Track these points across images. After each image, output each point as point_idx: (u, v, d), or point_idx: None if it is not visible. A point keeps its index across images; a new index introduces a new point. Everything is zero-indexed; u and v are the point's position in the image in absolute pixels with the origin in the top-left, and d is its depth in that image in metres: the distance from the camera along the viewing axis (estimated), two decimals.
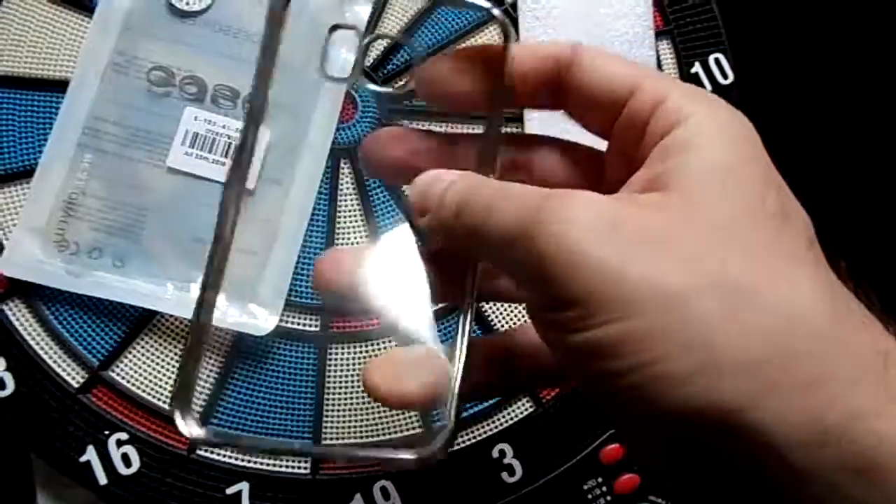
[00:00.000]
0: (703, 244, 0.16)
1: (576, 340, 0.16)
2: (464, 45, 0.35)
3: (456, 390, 0.20)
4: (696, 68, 0.36)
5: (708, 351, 0.15)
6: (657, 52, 0.36)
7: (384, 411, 0.32)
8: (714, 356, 0.15)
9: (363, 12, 0.34)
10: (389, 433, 0.32)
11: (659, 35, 0.36)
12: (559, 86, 0.20)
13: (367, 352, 0.32)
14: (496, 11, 0.21)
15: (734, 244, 0.16)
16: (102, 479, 0.30)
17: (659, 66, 0.36)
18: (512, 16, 0.35)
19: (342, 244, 0.33)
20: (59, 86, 0.32)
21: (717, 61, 0.36)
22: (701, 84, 0.36)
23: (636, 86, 0.19)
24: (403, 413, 0.32)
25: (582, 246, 0.16)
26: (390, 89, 0.34)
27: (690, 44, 0.36)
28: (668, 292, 0.15)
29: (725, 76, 0.36)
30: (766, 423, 0.15)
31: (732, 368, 0.15)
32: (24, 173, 0.32)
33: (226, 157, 0.32)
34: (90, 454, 0.30)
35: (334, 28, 0.24)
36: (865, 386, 0.15)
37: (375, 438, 0.32)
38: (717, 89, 0.36)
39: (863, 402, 0.15)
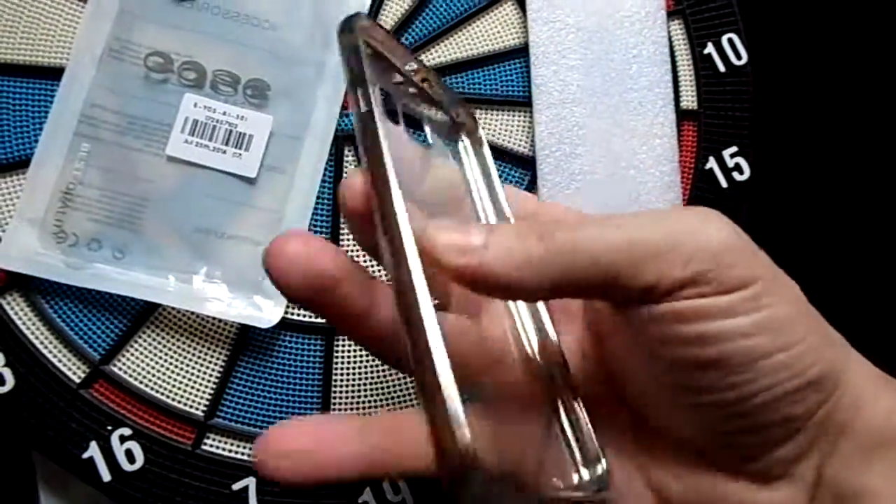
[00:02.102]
0: None
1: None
2: (471, 30, 0.34)
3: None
4: (709, 49, 0.35)
5: None
6: (669, 32, 0.35)
7: (391, 404, 0.31)
8: None
9: None
10: None
11: (671, 14, 0.35)
12: None
13: None
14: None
15: None
16: (106, 476, 0.30)
17: (671, 46, 0.35)
18: None
19: (347, 234, 0.32)
20: (54, 73, 0.31)
21: (730, 41, 0.35)
22: (714, 65, 0.35)
23: None
24: (410, 407, 0.32)
25: None
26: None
27: (703, 23, 0.35)
28: None
29: (739, 57, 0.35)
30: None
31: None
32: (20, 163, 0.31)
33: (227, 144, 0.31)
34: (93, 450, 0.30)
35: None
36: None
37: None
38: (731, 70, 0.35)
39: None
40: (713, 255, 0.18)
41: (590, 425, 0.20)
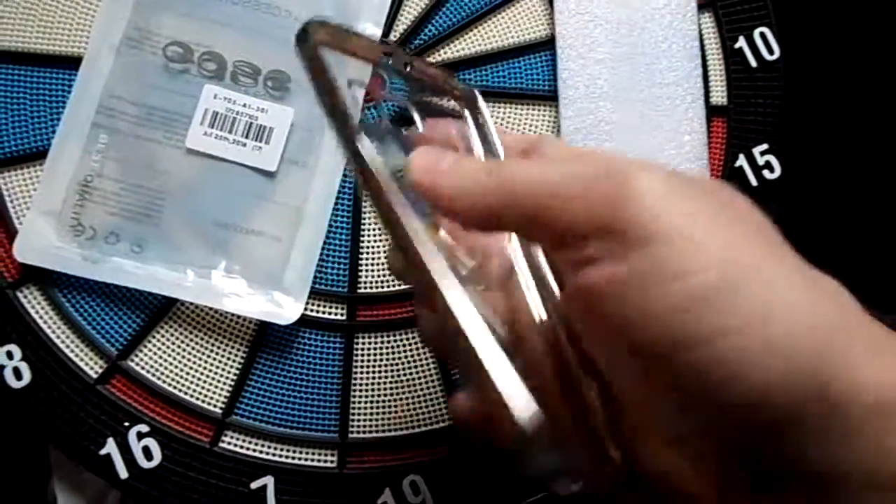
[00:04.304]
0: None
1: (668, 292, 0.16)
2: (495, 21, 0.33)
3: None
4: (741, 43, 0.34)
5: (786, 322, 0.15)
6: (699, 25, 0.34)
7: (412, 403, 0.31)
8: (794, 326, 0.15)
9: None
10: (417, 425, 0.31)
11: (701, 7, 0.34)
12: None
13: (394, 341, 0.31)
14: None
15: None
16: (123, 473, 0.29)
17: (701, 40, 0.34)
18: None
19: (368, 229, 0.32)
20: (72, 62, 0.31)
21: (762, 35, 0.34)
22: (745, 60, 0.34)
23: None
24: (431, 405, 0.31)
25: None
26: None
27: (735, 17, 0.34)
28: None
29: (771, 51, 0.34)
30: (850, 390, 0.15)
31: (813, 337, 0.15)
32: (37, 155, 0.31)
33: (247, 137, 0.31)
34: (110, 447, 0.29)
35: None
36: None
37: (403, 431, 0.31)
38: (763, 65, 0.34)
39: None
40: (631, 201, 0.17)
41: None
